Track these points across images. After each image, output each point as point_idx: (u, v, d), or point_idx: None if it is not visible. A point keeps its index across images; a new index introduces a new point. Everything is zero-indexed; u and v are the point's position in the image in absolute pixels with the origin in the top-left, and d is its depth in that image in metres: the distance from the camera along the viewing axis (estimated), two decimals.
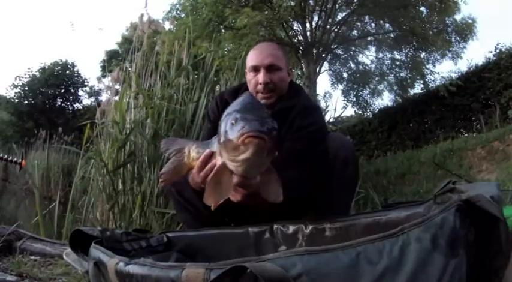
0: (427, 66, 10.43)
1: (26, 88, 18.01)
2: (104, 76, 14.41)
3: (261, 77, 1.36)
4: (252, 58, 1.42)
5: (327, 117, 5.08)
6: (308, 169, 1.24)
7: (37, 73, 18.23)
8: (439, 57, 10.33)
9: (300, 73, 9.79)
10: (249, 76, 1.42)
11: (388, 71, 11.31)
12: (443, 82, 9.24)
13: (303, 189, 1.22)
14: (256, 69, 1.39)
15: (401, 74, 11.09)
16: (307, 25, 10.05)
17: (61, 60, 18.67)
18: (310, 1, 9.93)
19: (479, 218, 0.66)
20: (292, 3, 9.09)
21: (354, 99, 11.82)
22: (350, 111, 12.59)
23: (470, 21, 9.72)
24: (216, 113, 1.47)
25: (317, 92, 9.93)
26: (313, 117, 1.37)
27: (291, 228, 1.22)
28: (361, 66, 11.82)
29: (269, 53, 1.40)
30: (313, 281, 0.58)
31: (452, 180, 0.90)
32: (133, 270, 0.75)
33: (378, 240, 0.62)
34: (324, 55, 10.55)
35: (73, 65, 18.88)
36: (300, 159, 1.25)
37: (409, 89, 11.00)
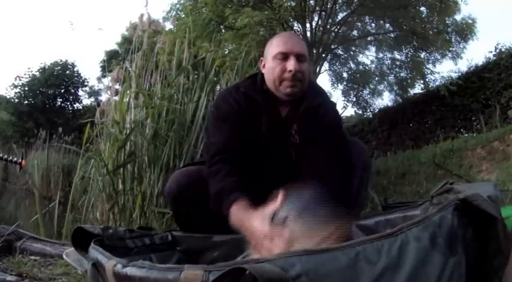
0: (427, 66, 10.43)
1: (26, 88, 18.00)
2: (104, 76, 14.41)
3: (291, 64, 1.27)
4: (279, 44, 1.32)
5: None
6: (340, 166, 1.26)
7: (37, 73, 18.23)
8: (439, 57, 10.32)
9: None
10: (274, 63, 1.31)
11: (388, 71, 11.31)
12: (443, 82, 9.24)
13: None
14: (285, 56, 1.29)
15: (401, 74, 11.09)
16: (308, 25, 10.04)
17: (61, 60, 18.68)
18: (311, 1, 9.93)
19: (477, 218, 0.67)
20: (293, 4, 9.09)
21: (354, 99, 11.83)
22: (350, 111, 12.61)
23: (470, 21, 9.71)
24: (236, 110, 1.31)
25: None
26: (338, 117, 1.42)
27: None
28: (361, 66, 11.81)
29: (298, 42, 1.34)
30: (312, 281, 0.58)
31: (450, 181, 0.90)
32: (131, 272, 0.74)
33: (377, 240, 0.62)
34: (324, 55, 10.55)
35: (73, 65, 18.90)
36: (334, 156, 1.26)
37: (409, 89, 11.00)
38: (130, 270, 0.75)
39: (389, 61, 11.25)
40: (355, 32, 11.17)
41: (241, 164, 1.21)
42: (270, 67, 1.33)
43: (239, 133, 1.26)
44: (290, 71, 1.27)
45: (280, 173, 1.22)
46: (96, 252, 0.89)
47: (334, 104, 1.48)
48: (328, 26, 10.12)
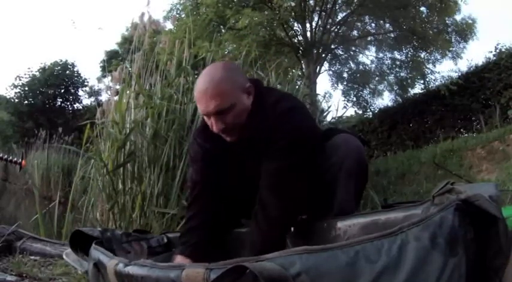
0: (427, 66, 10.43)
1: (26, 88, 17.97)
2: (104, 76, 14.46)
3: (213, 125, 1.21)
4: (197, 102, 1.22)
5: (328, 118, 5.08)
6: (289, 189, 1.18)
7: (37, 73, 18.20)
8: (439, 57, 10.33)
9: (300, 73, 9.79)
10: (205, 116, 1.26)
11: (388, 71, 11.32)
12: (443, 82, 9.25)
13: (282, 226, 1.21)
14: (206, 115, 1.22)
15: (401, 74, 11.10)
16: (307, 25, 10.05)
17: (61, 60, 18.64)
18: (311, 1, 9.93)
19: (478, 218, 0.67)
20: (293, 4, 9.09)
21: (354, 99, 11.83)
22: (350, 111, 12.61)
23: (470, 21, 9.72)
24: (200, 154, 1.35)
25: (317, 92, 9.93)
26: (287, 133, 1.18)
27: (292, 229, 1.23)
28: (361, 66, 11.83)
29: (211, 95, 1.16)
30: (313, 280, 0.58)
31: (451, 181, 0.89)
32: (133, 271, 0.75)
33: (377, 239, 0.62)
34: (324, 55, 10.55)
35: (73, 65, 18.85)
36: (280, 179, 1.18)
37: (409, 89, 11.01)
38: (132, 269, 0.75)
39: (389, 61, 11.27)
40: (355, 32, 11.18)
41: (214, 203, 1.31)
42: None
43: (207, 174, 1.33)
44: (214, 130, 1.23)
45: (244, 208, 1.27)
46: (97, 252, 0.90)
47: (285, 111, 1.21)
48: (328, 26, 10.12)
